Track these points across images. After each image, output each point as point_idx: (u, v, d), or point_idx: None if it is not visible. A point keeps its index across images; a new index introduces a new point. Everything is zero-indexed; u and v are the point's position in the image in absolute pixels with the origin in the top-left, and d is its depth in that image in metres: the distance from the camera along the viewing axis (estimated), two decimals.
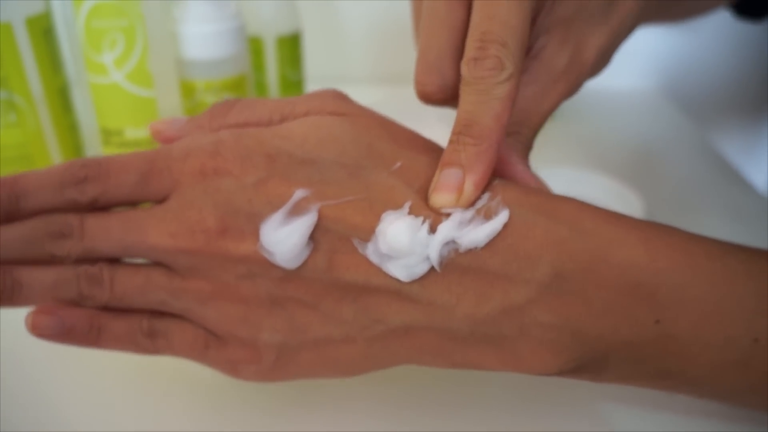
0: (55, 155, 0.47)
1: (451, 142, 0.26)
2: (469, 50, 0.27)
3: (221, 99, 0.30)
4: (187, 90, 0.46)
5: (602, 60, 0.33)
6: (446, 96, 0.29)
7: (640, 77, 0.82)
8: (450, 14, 0.29)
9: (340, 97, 0.30)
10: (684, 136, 0.70)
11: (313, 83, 0.59)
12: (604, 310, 0.25)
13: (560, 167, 0.56)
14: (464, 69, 0.27)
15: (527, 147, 0.32)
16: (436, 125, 0.50)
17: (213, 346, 0.27)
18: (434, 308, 0.25)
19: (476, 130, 0.26)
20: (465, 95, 0.26)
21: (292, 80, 0.54)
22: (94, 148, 0.49)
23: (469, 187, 0.25)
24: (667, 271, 0.25)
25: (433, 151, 0.28)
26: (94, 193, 0.26)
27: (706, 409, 0.32)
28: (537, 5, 0.29)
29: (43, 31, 0.44)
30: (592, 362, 0.26)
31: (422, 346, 0.26)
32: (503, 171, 0.30)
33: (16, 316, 0.27)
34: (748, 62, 0.80)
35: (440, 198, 0.25)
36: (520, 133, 0.32)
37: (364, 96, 0.48)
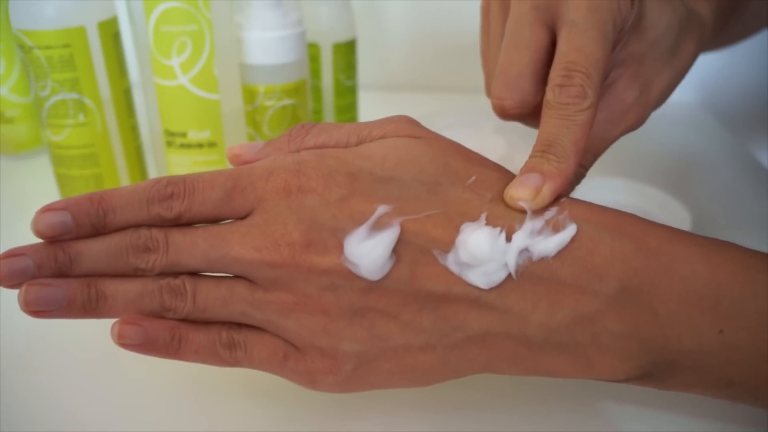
0: (118, 155, 0.48)
1: (533, 156, 0.28)
2: (556, 77, 0.29)
3: (296, 123, 0.31)
4: (249, 94, 0.48)
5: (664, 96, 0.36)
6: (522, 112, 0.32)
7: (682, 91, 0.82)
8: (533, 36, 0.31)
9: (413, 123, 0.31)
10: (726, 149, 0.71)
11: (363, 91, 0.60)
12: (669, 320, 0.26)
13: (611, 177, 0.56)
14: (549, 94, 0.29)
15: (581, 175, 0.34)
16: (490, 135, 0.51)
17: (292, 357, 0.28)
18: (511, 315, 0.26)
19: (558, 150, 0.28)
20: (548, 118, 0.29)
21: (347, 86, 0.55)
22: (156, 149, 0.50)
23: (546, 191, 0.27)
24: (728, 285, 0.26)
25: (501, 169, 0.30)
26: (180, 209, 0.27)
27: (706, 410, 0.32)
28: (618, 38, 0.31)
29: (113, 35, 0.45)
30: (658, 370, 0.27)
31: (498, 352, 0.27)
32: None
33: (16, 316, 0.27)
34: None
35: (518, 191, 0.27)
36: (584, 158, 0.34)
37: (415, 104, 0.49)
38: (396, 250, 0.26)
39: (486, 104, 0.34)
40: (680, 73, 0.36)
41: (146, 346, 0.28)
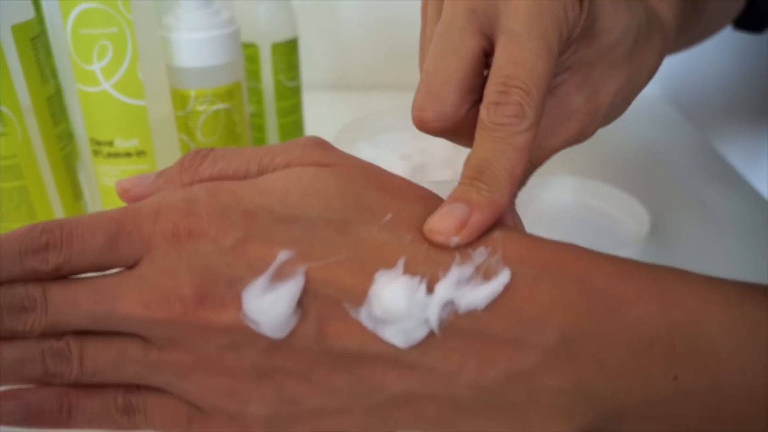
0: (44, 166, 0.45)
1: (461, 183, 0.25)
2: (491, 93, 0.25)
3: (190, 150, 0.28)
4: (179, 99, 0.45)
5: (618, 106, 0.32)
6: (443, 126, 0.28)
7: None
8: (463, 42, 0.27)
9: (322, 146, 0.28)
10: (688, 142, 0.69)
11: (309, 90, 0.58)
12: (617, 370, 0.23)
13: (567, 176, 0.55)
14: (483, 112, 0.25)
15: (522, 182, 0.31)
16: (435, 137, 0.49)
17: (197, 421, 0.25)
18: (435, 375, 0.23)
19: (490, 177, 0.25)
20: (481, 140, 0.25)
21: (289, 87, 0.53)
22: (85, 159, 0.47)
23: (473, 224, 0.24)
24: (683, 325, 0.23)
25: (426, 199, 0.27)
26: (57, 261, 0.24)
27: None
28: (563, 48, 0.28)
29: (31, 38, 0.43)
30: (606, 424, 0.24)
31: (424, 415, 0.24)
32: None
33: None
34: (750, 68, 0.79)
35: (439, 224, 0.24)
36: None
37: (363, 104, 0.47)
38: (302, 303, 0.23)
39: None
40: (636, 82, 0.33)
41: (30, 420, 0.25)
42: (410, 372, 0.24)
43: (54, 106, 0.46)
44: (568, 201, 0.55)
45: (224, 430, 0.25)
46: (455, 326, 0.23)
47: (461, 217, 0.24)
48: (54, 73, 0.47)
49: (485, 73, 0.28)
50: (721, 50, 0.78)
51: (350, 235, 0.24)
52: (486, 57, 0.28)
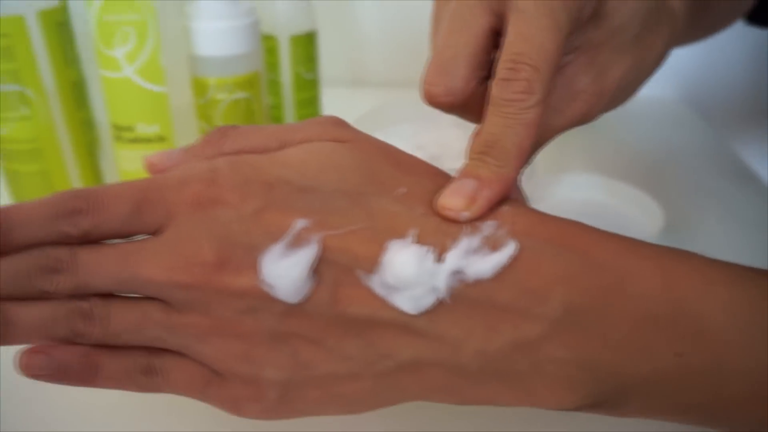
0: (66, 150, 0.46)
1: (471, 159, 0.26)
2: (500, 70, 0.26)
3: (215, 126, 0.29)
4: (200, 87, 0.46)
5: (624, 90, 0.33)
6: (452, 100, 0.29)
7: (660, 86, 0.80)
8: (474, 18, 0.28)
9: (340, 124, 0.29)
10: (705, 144, 0.69)
11: (327, 85, 0.58)
12: (620, 344, 0.23)
13: (582, 174, 0.55)
14: (494, 89, 0.26)
15: (528, 159, 0.31)
16: (449, 128, 0.49)
17: (213, 384, 0.26)
18: (443, 343, 0.24)
19: (499, 152, 0.25)
20: (491, 116, 0.26)
21: (307, 79, 0.53)
22: (106, 144, 0.48)
23: (482, 200, 0.25)
24: (685, 301, 0.23)
25: (437, 176, 0.27)
26: (87, 226, 0.25)
27: None
28: (572, 28, 0.28)
29: (57, 24, 0.44)
30: (610, 397, 0.24)
31: (432, 382, 0.25)
32: None
33: None
34: (766, 67, 0.79)
35: (449, 200, 0.25)
36: None
37: (379, 99, 0.47)
38: (317, 270, 0.24)
39: None
40: (643, 66, 0.33)
41: (58, 375, 0.26)
42: (419, 338, 0.24)
43: (78, 93, 0.47)
44: (581, 198, 0.55)
45: (239, 394, 0.26)
46: (463, 295, 0.24)
47: (471, 192, 0.25)
48: (78, 61, 0.48)
49: (493, 55, 0.29)
50: (736, 49, 0.77)
51: (364, 207, 0.25)
52: (496, 36, 0.29)
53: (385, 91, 0.73)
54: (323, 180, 0.25)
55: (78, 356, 0.26)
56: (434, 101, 0.29)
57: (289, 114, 0.54)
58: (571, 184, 0.55)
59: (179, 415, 0.32)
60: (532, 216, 0.26)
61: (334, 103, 0.57)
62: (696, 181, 0.60)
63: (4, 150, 0.45)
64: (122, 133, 0.45)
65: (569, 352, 0.24)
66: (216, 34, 0.44)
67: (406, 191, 0.26)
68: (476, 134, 0.28)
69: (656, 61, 0.34)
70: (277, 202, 0.25)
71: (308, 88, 0.54)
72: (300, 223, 0.24)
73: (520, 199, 0.30)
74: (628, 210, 0.53)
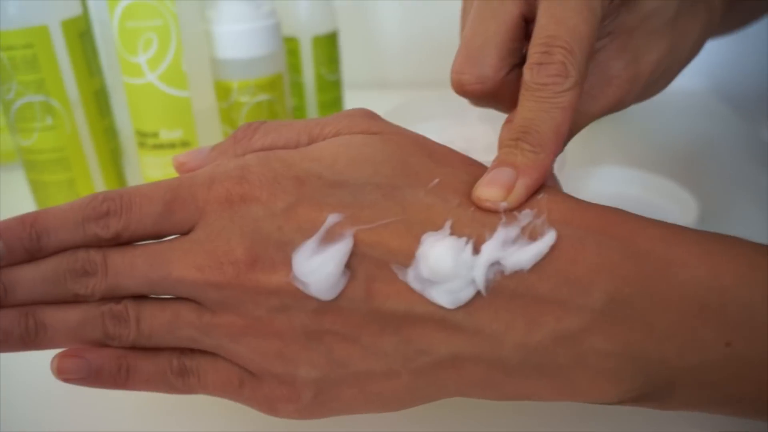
0: (91, 158, 0.46)
1: (506, 146, 0.25)
2: (533, 54, 0.26)
3: (243, 123, 0.29)
4: (222, 90, 0.46)
5: (659, 78, 0.32)
6: (482, 89, 0.28)
7: (691, 78, 0.79)
8: (504, 6, 0.28)
9: (371, 116, 0.28)
10: (736, 134, 0.68)
11: (349, 88, 0.58)
12: (667, 334, 0.22)
13: (613, 167, 0.54)
14: (527, 74, 0.25)
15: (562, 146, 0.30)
16: (476, 124, 0.49)
17: (248, 384, 0.26)
18: (482, 337, 0.23)
19: (535, 137, 0.25)
20: (525, 101, 0.25)
21: (329, 80, 0.53)
22: (130, 151, 0.48)
23: (520, 188, 0.24)
24: (733, 289, 0.22)
25: (470, 165, 0.27)
26: (117, 228, 0.25)
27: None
28: (606, 12, 0.28)
29: (79, 33, 0.44)
30: (656, 390, 0.24)
31: (471, 377, 0.24)
32: None
33: None
34: None
35: (487, 191, 0.24)
36: None
37: (399, 100, 0.47)
38: (350, 265, 0.24)
39: None
40: (678, 53, 0.32)
41: (91, 379, 0.26)
42: (457, 333, 0.24)
43: (101, 101, 0.47)
44: (613, 191, 0.54)
45: (274, 394, 0.25)
46: (502, 287, 0.23)
47: (508, 181, 0.24)
48: (99, 70, 0.48)
49: (525, 47, 0.28)
50: (765, 40, 0.75)
51: (397, 199, 0.24)
52: (526, 24, 0.28)
53: (408, 93, 0.72)
54: (355, 173, 0.25)
55: (111, 359, 0.26)
56: (463, 90, 0.28)
57: (312, 116, 0.54)
58: (603, 177, 0.54)
59: (183, 414, 0.31)
60: (569, 203, 0.25)
61: (357, 104, 0.57)
62: (729, 172, 0.58)
63: (29, 161, 0.45)
64: (146, 139, 0.45)
65: (613, 343, 0.23)
66: (238, 36, 0.44)
67: (440, 182, 0.25)
68: (508, 121, 0.28)
69: (692, 48, 0.33)
70: (309, 197, 0.24)
71: (331, 89, 0.54)
72: (332, 218, 0.24)
73: (555, 186, 0.29)
74: (661, 202, 0.52)
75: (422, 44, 0.78)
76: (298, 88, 0.53)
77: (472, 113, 0.47)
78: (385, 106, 0.54)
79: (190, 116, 0.44)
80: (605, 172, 0.54)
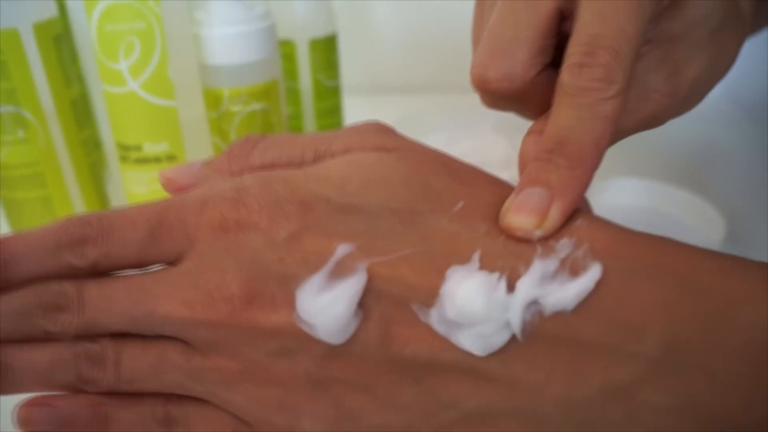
0: (68, 174, 0.43)
1: (539, 159, 0.22)
2: (574, 54, 0.22)
3: (241, 136, 0.26)
4: (212, 99, 0.42)
5: (696, 94, 0.29)
6: (508, 87, 0.25)
7: None
8: None
9: (384, 131, 0.26)
10: (756, 144, 0.65)
11: (348, 94, 0.55)
12: (732, 384, 0.19)
13: (631, 179, 0.50)
14: (565, 76, 0.22)
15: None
16: (490, 135, 0.45)
17: None
18: (518, 389, 0.20)
19: (572, 150, 0.22)
20: (562, 107, 0.22)
21: (328, 87, 0.49)
22: (113, 165, 0.45)
23: (555, 214, 0.21)
24: None
25: (498, 186, 0.24)
26: (95, 256, 0.22)
27: None
28: (654, 12, 0.25)
29: (54, 37, 0.40)
30: None
31: None
32: None
33: None
34: None
35: (518, 219, 0.21)
36: None
37: (403, 106, 0.44)
38: (363, 304, 0.21)
39: None
40: (718, 67, 0.29)
41: (62, 430, 0.23)
42: (489, 384, 0.21)
43: (79, 111, 0.43)
44: (630, 205, 0.51)
45: None
46: (541, 331, 0.20)
47: (541, 205, 0.21)
48: (79, 77, 0.44)
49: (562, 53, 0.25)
50: None
51: (417, 227, 0.22)
52: (562, 20, 0.25)
53: (409, 98, 0.69)
54: (368, 197, 0.22)
55: (86, 407, 0.23)
56: (486, 87, 0.25)
57: (309, 125, 0.50)
58: (620, 191, 0.51)
59: None
60: (612, 231, 0.22)
61: (356, 112, 0.54)
62: (753, 185, 0.55)
63: (0, 177, 0.41)
64: (128, 152, 0.41)
65: (671, 397, 0.20)
66: (229, 40, 0.41)
67: (465, 206, 0.22)
68: (532, 132, 0.24)
69: (730, 62, 0.30)
70: (315, 224, 0.22)
71: (329, 96, 0.50)
72: (342, 249, 0.21)
73: (588, 209, 0.26)
74: (684, 218, 0.49)
75: (424, 47, 0.75)
76: (294, 95, 0.49)
77: (485, 123, 0.44)
78: (388, 113, 0.51)
79: (177, 127, 0.41)
80: (622, 184, 0.51)
